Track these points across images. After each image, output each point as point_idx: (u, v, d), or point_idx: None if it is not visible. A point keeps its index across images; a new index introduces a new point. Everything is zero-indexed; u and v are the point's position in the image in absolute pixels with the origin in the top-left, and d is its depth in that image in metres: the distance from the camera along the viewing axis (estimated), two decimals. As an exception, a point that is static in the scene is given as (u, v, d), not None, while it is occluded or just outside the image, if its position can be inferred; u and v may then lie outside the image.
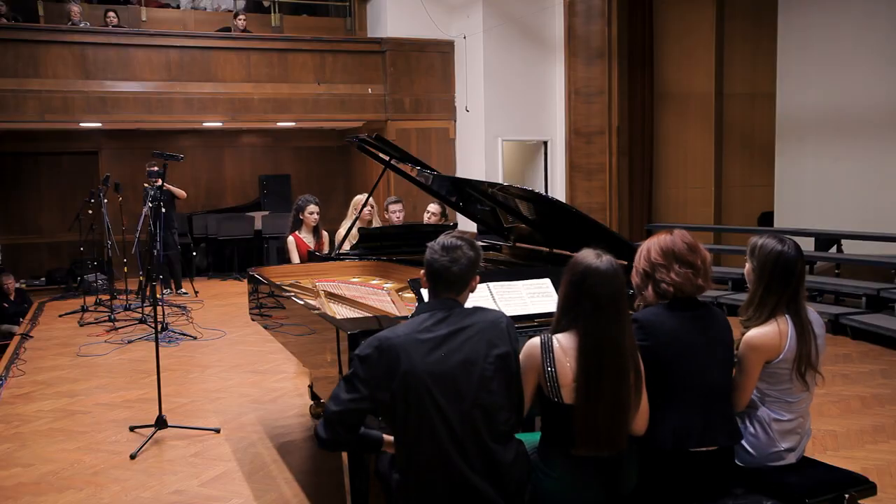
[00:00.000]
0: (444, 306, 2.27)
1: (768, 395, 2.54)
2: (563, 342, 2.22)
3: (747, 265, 2.62)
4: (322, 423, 2.22)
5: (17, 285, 9.31)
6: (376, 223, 5.87)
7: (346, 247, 5.02)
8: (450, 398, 2.14)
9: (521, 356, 2.28)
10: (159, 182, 6.05)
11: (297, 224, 5.51)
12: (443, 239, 2.32)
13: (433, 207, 5.89)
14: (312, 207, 5.47)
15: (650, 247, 2.47)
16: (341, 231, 5.53)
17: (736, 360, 2.51)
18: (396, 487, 2.24)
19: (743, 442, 2.54)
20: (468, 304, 2.35)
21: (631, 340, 2.24)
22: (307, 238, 5.45)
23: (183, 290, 9.59)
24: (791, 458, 2.57)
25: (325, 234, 5.61)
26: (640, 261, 2.50)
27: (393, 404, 2.16)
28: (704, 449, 2.36)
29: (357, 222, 5.22)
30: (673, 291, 2.40)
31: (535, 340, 2.25)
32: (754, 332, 2.49)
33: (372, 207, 5.63)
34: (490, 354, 2.20)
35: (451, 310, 2.27)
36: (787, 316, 2.50)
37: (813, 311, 2.57)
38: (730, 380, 2.48)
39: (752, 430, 2.55)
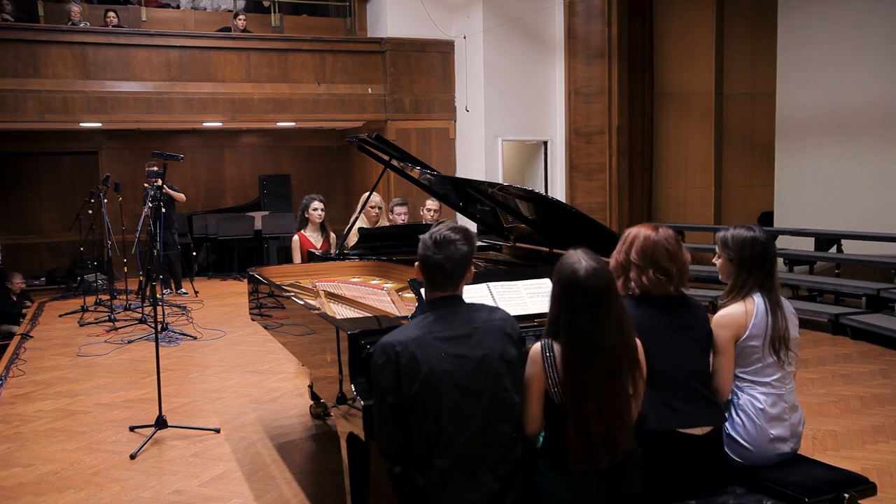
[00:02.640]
0: (449, 304, 2.28)
1: (743, 378, 2.61)
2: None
3: (720, 259, 2.71)
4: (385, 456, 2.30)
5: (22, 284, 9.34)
6: (384, 223, 5.86)
7: (352, 240, 5.02)
8: (471, 397, 2.17)
9: (527, 365, 2.26)
10: (159, 182, 6.04)
11: (304, 223, 5.51)
12: (435, 232, 2.29)
13: (431, 204, 5.89)
14: (316, 204, 5.47)
15: (634, 241, 2.49)
16: (355, 228, 5.54)
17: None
18: (423, 488, 2.21)
19: (737, 436, 2.57)
20: (467, 298, 2.37)
21: (627, 340, 2.20)
22: (313, 236, 5.44)
23: (183, 290, 9.59)
24: (786, 448, 2.60)
25: (332, 233, 5.60)
26: (620, 250, 2.52)
27: (413, 405, 2.16)
28: (687, 432, 2.38)
29: (361, 219, 5.23)
30: (640, 293, 2.47)
31: (537, 347, 2.23)
32: (721, 312, 2.62)
33: (380, 209, 5.63)
34: (501, 355, 2.23)
35: (458, 307, 2.28)
36: (755, 296, 2.60)
37: (786, 301, 2.66)
38: (706, 364, 2.53)
39: (738, 420, 2.59)
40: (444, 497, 2.17)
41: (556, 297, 2.22)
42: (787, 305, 2.66)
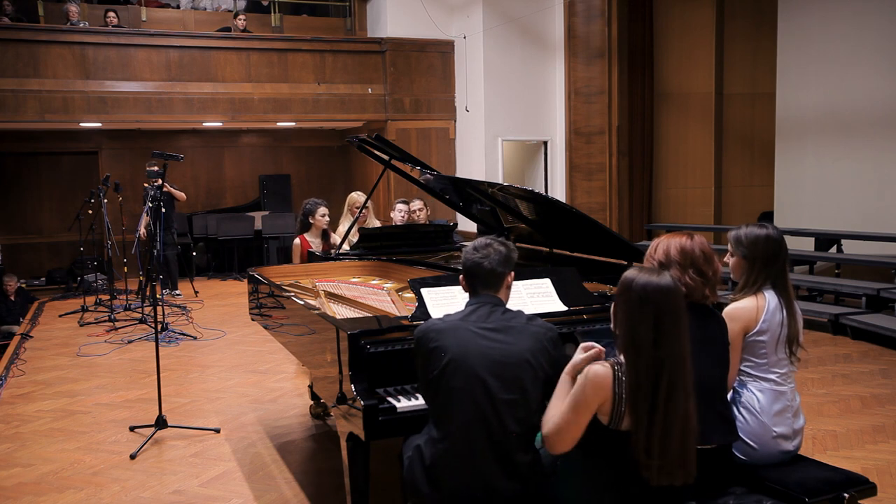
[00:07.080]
0: (488, 301, 2.37)
1: (747, 373, 2.63)
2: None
3: (733, 258, 2.72)
4: None
5: (18, 285, 9.33)
6: (373, 223, 5.86)
7: (346, 247, 5.02)
8: (488, 389, 2.20)
9: (586, 388, 2.08)
10: (159, 182, 6.04)
11: (305, 227, 5.50)
12: (475, 241, 2.47)
13: (417, 205, 5.84)
14: (323, 210, 5.47)
15: (670, 244, 2.47)
16: (340, 229, 5.53)
17: None
18: (431, 463, 2.27)
19: (741, 434, 2.57)
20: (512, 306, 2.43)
21: (688, 347, 2.12)
22: (314, 241, 5.44)
23: (178, 291, 9.54)
24: (790, 446, 2.61)
25: (333, 236, 5.58)
26: (657, 252, 2.48)
27: (438, 382, 2.23)
28: (700, 447, 2.37)
29: (348, 220, 5.22)
30: (685, 292, 2.40)
31: (602, 372, 2.07)
32: (732, 305, 2.63)
33: (367, 208, 5.62)
34: (528, 359, 2.24)
35: (495, 306, 2.36)
36: (766, 292, 2.63)
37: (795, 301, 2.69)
38: (725, 378, 2.50)
39: (741, 418, 2.60)
40: (445, 478, 2.23)
41: (634, 309, 2.07)
42: (796, 306, 2.68)
